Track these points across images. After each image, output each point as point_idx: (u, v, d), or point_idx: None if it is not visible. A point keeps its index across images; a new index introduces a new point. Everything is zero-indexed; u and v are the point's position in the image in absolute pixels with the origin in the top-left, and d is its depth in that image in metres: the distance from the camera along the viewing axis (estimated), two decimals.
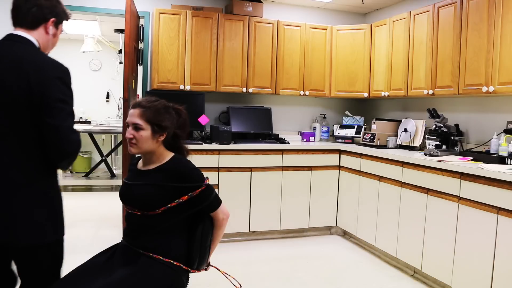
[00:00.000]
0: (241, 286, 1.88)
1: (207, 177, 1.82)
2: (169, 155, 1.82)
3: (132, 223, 1.78)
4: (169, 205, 1.72)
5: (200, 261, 1.80)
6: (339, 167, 4.29)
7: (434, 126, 3.57)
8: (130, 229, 1.80)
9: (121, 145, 5.94)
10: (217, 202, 1.83)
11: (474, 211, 2.72)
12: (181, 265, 1.75)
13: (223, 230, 1.89)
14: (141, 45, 4.30)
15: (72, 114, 1.60)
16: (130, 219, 1.79)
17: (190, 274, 1.84)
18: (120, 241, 1.85)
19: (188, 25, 4.11)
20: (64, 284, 1.64)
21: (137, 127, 1.74)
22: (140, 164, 1.86)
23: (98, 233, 4.22)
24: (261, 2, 4.38)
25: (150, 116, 1.74)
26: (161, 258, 1.70)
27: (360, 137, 4.37)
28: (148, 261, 1.70)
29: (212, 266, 1.92)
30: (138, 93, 4.58)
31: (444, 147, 3.48)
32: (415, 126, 3.92)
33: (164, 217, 1.73)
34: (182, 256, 1.77)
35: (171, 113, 1.81)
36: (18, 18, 1.64)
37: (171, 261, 1.72)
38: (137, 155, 1.94)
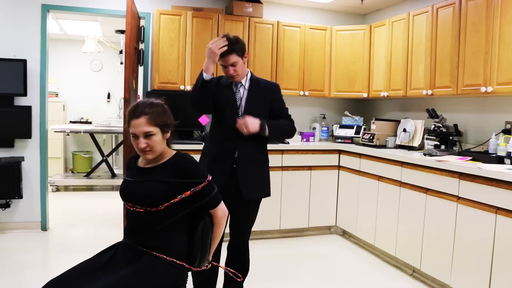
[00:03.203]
0: (242, 278, 1.92)
1: (208, 174, 1.85)
2: (171, 152, 1.86)
3: (134, 220, 1.80)
4: (172, 201, 1.74)
5: (201, 259, 1.83)
6: (339, 167, 4.31)
7: (433, 126, 3.58)
8: (132, 226, 1.81)
9: (122, 145, 5.96)
10: (217, 199, 1.86)
11: (473, 210, 2.74)
12: (184, 263, 1.77)
13: (223, 228, 1.92)
14: (141, 46, 4.32)
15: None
16: (132, 217, 1.81)
17: (190, 271, 1.86)
18: (121, 240, 1.87)
19: (189, 26, 4.13)
20: (68, 279, 1.65)
21: (148, 135, 1.75)
22: (141, 162, 1.88)
23: (99, 232, 4.24)
24: (261, 2, 4.40)
25: (156, 119, 1.76)
26: (164, 256, 1.72)
27: (359, 137, 4.39)
28: (151, 259, 1.71)
29: (213, 263, 1.94)
30: (138, 93, 4.60)
31: (443, 147, 3.50)
32: (414, 126, 3.94)
33: (167, 214, 1.75)
34: (184, 254, 1.80)
35: (166, 108, 1.85)
36: None
37: (174, 260, 1.74)
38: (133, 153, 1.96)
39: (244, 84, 2.56)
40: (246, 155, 2.51)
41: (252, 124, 2.40)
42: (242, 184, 2.50)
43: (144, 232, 1.76)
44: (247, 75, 2.58)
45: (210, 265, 1.92)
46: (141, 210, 1.76)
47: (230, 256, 2.67)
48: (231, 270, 2.13)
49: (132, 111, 1.77)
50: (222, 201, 1.88)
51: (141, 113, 1.74)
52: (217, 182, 2.38)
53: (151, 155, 1.78)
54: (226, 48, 2.37)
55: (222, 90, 2.53)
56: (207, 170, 2.29)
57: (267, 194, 2.66)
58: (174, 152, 1.86)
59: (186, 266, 1.78)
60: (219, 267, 2.09)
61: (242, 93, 2.55)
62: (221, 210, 1.87)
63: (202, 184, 1.79)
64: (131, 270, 1.66)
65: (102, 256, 1.78)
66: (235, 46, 2.45)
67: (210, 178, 1.83)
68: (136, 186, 1.80)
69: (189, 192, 1.76)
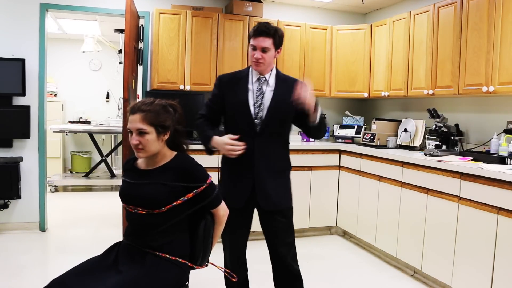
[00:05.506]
0: (237, 278, 1.94)
1: (209, 175, 1.85)
2: (172, 153, 1.85)
3: (135, 222, 1.79)
4: (174, 203, 1.74)
5: (203, 257, 1.85)
6: (339, 167, 4.29)
7: (434, 126, 3.57)
8: (133, 228, 1.80)
9: (121, 145, 5.94)
10: (219, 199, 1.87)
11: (474, 211, 2.72)
12: (187, 262, 1.78)
13: (223, 227, 1.93)
14: (141, 45, 4.31)
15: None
16: (133, 219, 1.79)
17: (191, 270, 1.86)
18: (120, 240, 1.85)
19: (188, 25, 4.11)
20: (71, 279, 1.63)
21: (141, 132, 1.74)
22: (141, 164, 1.87)
23: (98, 233, 4.22)
24: (261, 2, 4.38)
25: (152, 118, 1.74)
26: (167, 256, 1.72)
27: (360, 137, 4.37)
28: (155, 259, 1.71)
29: (210, 263, 1.94)
30: (138, 93, 4.58)
31: (444, 147, 3.49)
32: (415, 126, 3.92)
33: (169, 215, 1.75)
34: (187, 253, 1.80)
35: (170, 110, 1.82)
36: None
37: (177, 259, 1.75)
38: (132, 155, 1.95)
39: (268, 80, 2.26)
40: (264, 166, 2.34)
41: (310, 98, 2.14)
42: (261, 195, 2.39)
43: (146, 234, 1.75)
44: (271, 70, 2.28)
45: (208, 264, 1.93)
46: (143, 212, 1.75)
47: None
48: (227, 270, 2.14)
49: (131, 107, 1.79)
50: (223, 201, 1.89)
51: (137, 110, 1.75)
52: (240, 198, 2.30)
53: (143, 153, 1.77)
54: (241, 152, 2.14)
55: (236, 90, 2.25)
56: (227, 185, 2.31)
57: (286, 204, 2.55)
58: (175, 153, 1.85)
59: (189, 264, 1.80)
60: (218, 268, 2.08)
61: (265, 90, 2.24)
62: (223, 209, 1.89)
63: (204, 186, 1.79)
64: (137, 271, 1.66)
65: (105, 257, 1.77)
66: (274, 33, 2.17)
67: (211, 179, 1.83)
68: (138, 189, 1.79)
69: (191, 194, 1.77)
